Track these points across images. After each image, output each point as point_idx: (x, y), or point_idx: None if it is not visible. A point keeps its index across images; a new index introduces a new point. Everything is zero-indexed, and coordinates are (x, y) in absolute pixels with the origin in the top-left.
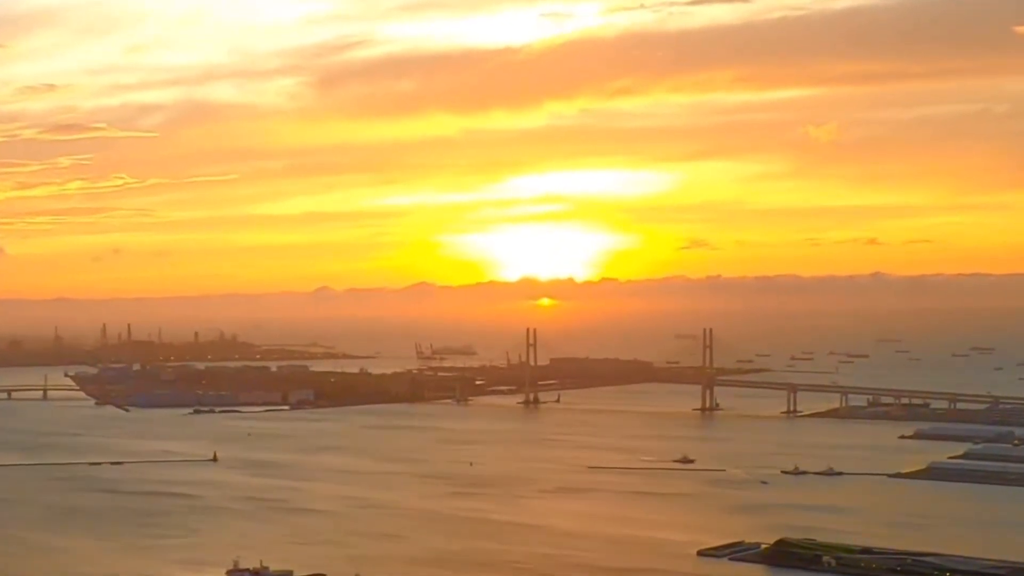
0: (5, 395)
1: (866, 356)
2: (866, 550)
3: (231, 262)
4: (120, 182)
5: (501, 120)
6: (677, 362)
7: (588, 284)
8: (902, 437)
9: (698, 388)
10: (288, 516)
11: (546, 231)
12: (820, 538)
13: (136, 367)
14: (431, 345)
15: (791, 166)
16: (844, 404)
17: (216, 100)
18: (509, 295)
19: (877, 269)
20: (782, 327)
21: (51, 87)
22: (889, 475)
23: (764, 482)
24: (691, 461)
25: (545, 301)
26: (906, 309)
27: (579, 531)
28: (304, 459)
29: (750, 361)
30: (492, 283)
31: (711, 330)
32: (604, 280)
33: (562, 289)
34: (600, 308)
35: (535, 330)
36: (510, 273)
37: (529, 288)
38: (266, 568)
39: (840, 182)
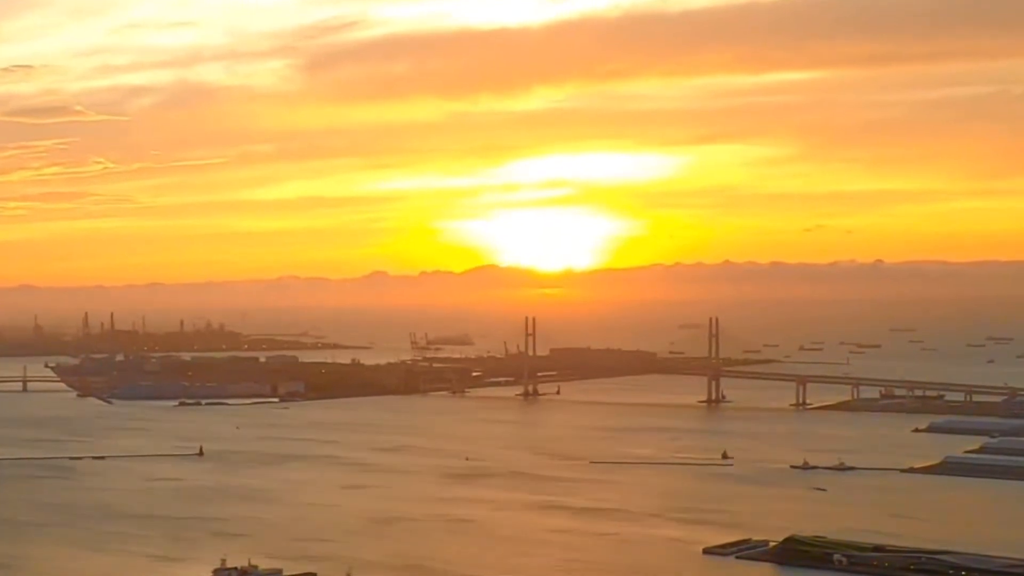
0: None
1: (878, 346)
2: (878, 548)
3: (216, 249)
4: (99, 167)
5: (499, 103)
6: (682, 352)
7: (589, 272)
8: (916, 430)
9: (703, 379)
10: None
11: (546, 217)
12: (831, 535)
13: (119, 358)
14: (426, 335)
15: (799, 150)
16: (855, 396)
17: (205, 82)
18: (506, 282)
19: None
20: (793, 316)
21: (28, 68)
22: (902, 470)
23: (822, 489)
24: (729, 458)
25: (539, 291)
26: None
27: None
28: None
29: (757, 351)
30: (489, 268)
31: (717, 319)
32: (606, 268)
33: (562, 277)
34: (601, 296)
35: (534, 319)
36: (508, 260)
37: (525, 276)
38: (255, 567)
39: (850, 166)
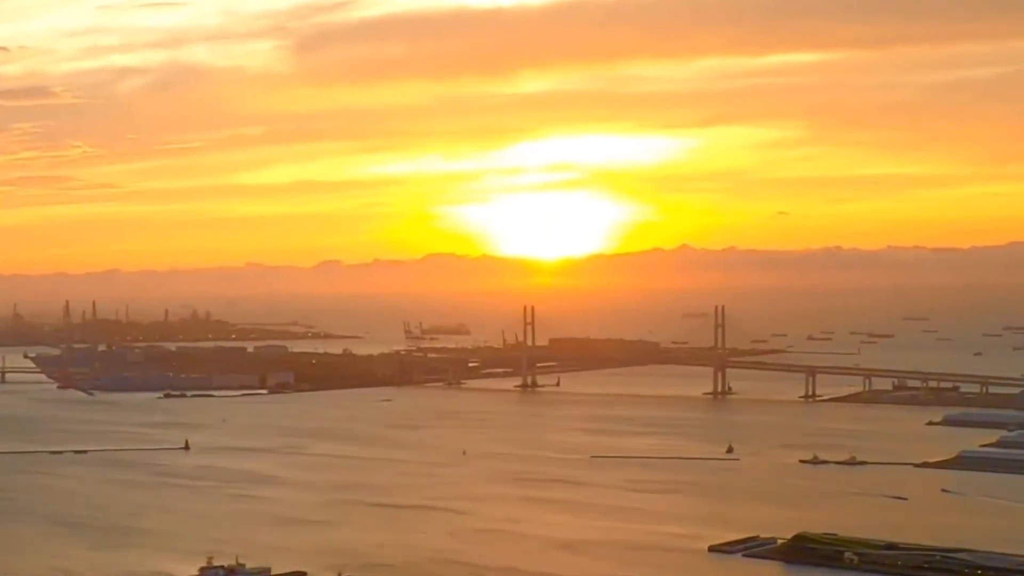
0: None
1: (891, 336)
2: (891, 546)
3: (203, 235)
4: (78, 151)
5: (496, 85)
6: (686, 342)
7: (589, 259)
8: (930, 423)
9: (709, 370)
10: None
11: (543, 201)
12: (841, 532)
13: (102, 348)
14: (420, 324)
15: (807, 132)
16: (867, 388)
17: (195, 63)
18: (502, 271)
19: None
20: (804, 305)
21: (5, 51)
22: (916, 464)
23: (902, 497)
24: (731, 450)
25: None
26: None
27: None
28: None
29: (765, 341)
30: (485, 257)
31: (723, 308)
32: (611, 253)
33: (561, 264)
34: (601, 285)
35: (533, 308)
36: (506, 247)
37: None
38: (242, 565)
39: (861, 149)
